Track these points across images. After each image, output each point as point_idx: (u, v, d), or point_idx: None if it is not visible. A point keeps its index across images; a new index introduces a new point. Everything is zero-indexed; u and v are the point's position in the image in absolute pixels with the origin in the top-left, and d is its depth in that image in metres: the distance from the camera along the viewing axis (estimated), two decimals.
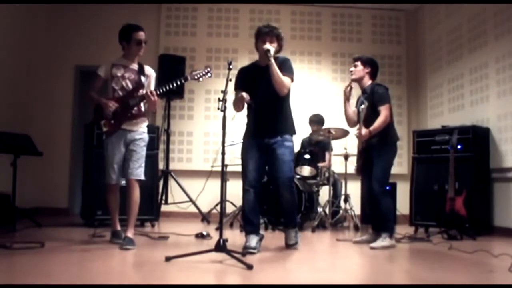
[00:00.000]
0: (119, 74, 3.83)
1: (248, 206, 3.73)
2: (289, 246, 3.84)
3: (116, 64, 3.85)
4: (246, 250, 3.47)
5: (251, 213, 3.73)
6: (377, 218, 4.16)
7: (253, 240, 3.63)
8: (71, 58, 6.83)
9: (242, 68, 3.98)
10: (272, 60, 3.64)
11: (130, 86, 3.84)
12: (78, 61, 6.83)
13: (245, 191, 3.73)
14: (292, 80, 3.79)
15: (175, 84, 3.81)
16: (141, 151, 3.81)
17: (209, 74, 3.82)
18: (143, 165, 3.83)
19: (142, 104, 3.83)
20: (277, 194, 3.81)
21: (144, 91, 3.78)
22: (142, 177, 3.83)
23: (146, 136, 3.89)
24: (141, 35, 3.87)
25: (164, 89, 3.80)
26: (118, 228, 3.92)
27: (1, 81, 5.45)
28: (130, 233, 3.72)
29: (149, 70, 3.99)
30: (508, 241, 4.58)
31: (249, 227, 3.73)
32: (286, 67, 3.76)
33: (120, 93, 3.81)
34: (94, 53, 6.70)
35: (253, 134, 3.84)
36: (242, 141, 3.94)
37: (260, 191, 3.80)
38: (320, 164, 5.67)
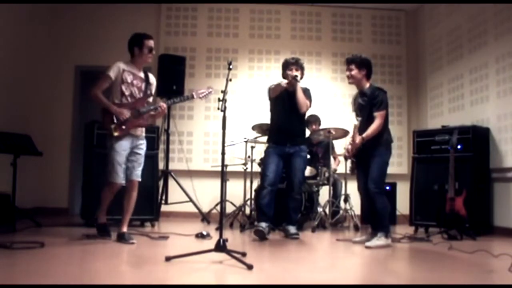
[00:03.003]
0: (129, 80, 4.04)
1: (264, 200, 4.45)
2: (291, 235, 4.46)
3: (126, 70, 4.03)
4: (257, 228, 4.30)
5: (266, 207, 4.45)
6: (373, 217, 4.18)
7: (263, 224, 4.36)
8: (71, 58, 6.82)
9: (272, 85, 4.74)
10: (299, 84, 4.50)
11: (137, 93, 4.08)
12: (78, 61, 6.83)
13: (263, 188, 4.48)
14: (310, 105, 4.68)
15: (181, 99, 4.32)
16: (143, 155, 4.15)
17: (212, 92, 4.23)
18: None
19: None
20: (288, 194, 4.63)
21: (151, 100, 4.15)
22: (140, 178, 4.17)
23: (145, 141, 4.20)
24: (152, 43, 4.13)
25: (174, 101, 4.22)
26: (105, 220, 4.14)
27: (1, 81, 5.45)
28: (126, 228, 4.05)
29: (152, 79, 4.26)
30: (508, 241, 4.58)
31: (262, 217, 4.45)
32: (307, 94, 4.65)
33: (129, 99, 4.03)
34: (94, 53, 6.71)
35: (276, 143, 4.62)
36: (266, 148, 4.73)
37: (276, 190, 4.53)
38: (333, 166, 5.92)
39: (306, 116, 6.21)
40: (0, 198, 4.67)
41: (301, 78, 4.60)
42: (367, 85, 4.25)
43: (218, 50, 6.98)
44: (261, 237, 4.25)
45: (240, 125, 6.57)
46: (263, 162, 4.71)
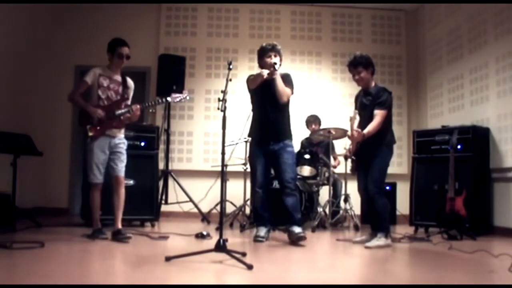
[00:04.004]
0: (105, 85, 4.19)
1: (258, 203, 4.34)
2: (298, 239, 4.05)
3: (102, 74, 4.18)
4: (256, 239, 4.15)
5: (261, 209, 4.33)
6: (373, 218, 4.18)
7: (262, 231, 4.25)
8: (71, 58, 6.82)
9: (252, 75, 4.42)
10: (278, 73, 4.14)
11: (114, 96, 4.22)
12: (78, 61, 6.82)
13: (255, 191, 4.35)
14: (292, 93, 4.28)
15: (154, 103, 4.31)
16: (125, 153, 4.24)
17: (187, 98, 4.40)
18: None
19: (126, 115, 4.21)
20: (282, 194, 4.24)
21: (129, 103, 4.25)
22: (123, 174, 4.23)
23: (125, 141, 4.31)
24: (125, 49, 4.21)
25: (148, 105, 4.34)
26: (100, 225, 4.19)
27: (1, 81, 5.45)
28: (120, 225, 4.11)
29: (130, 82, 4.36)
30: (508, 241, 4.58)
31: (259, 221, 4.36)
32: (288, 80, 4.26)
33: (106, 102, 4.17)
34: (94, 53, 6.66)
35: (259, 141, 4.34)
36: (249, 148, 4.50)
37: (267, 191, 4.41)
38: (333, 163, 5.89)
39: (307, 116, 6.24)
40: (0, 198, 4.67)
41: (280, 65, 4.23)
42: (373, 84, 4.25)
43: (218, 50, 6.98)
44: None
45: (240, 125, 6.56)
46: (250, 162, 4.49)
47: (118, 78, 4.27)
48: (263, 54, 4.27)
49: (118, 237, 3.96)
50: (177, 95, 4.31)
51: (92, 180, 4.10)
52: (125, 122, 4.25)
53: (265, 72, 4.11)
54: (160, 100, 4.32)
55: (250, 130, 4.47)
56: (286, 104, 4.31)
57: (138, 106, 4.16)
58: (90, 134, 4.07)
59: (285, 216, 4.24)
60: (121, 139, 4.23)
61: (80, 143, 5.90)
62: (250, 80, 4.33)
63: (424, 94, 6.85)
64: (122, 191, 4.16)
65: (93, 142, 4.09)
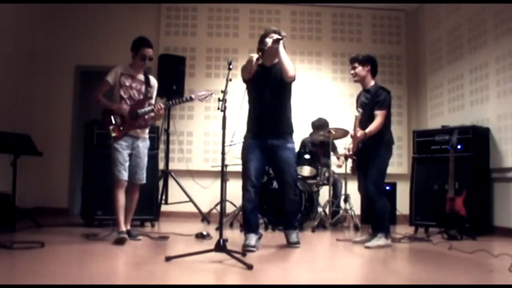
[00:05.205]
0: (127, 84, 4.10)
1: (248, 206, 3.81)
2: (291, 244, 3.93)
3: (124, 74, 4.08)
4: (246, 249, 3.58)
5: (251, 213, 3.82)
6: (373, 218, 4.18)
7: (252, 239, 3.72)
8: (72, 58, 6.82)
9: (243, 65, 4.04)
10: (282, 45, 3.80)
11: (137, 96, 4.13)
12: (79, 61, 6.83)
13: (246, 190, 3.80)
14: (295, 77, 3.89)
15: (179, 101, 4.18)
16: (145, 158, 4.18)
17: (213, 95, 4.28)
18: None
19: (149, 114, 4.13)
20: (282, 195, 3.94)
21: (153, 102, 4.17)
22: (145, 181, 4.22)
23: (148, 142, 4.24)
24: (148, 51, 4.11)
25: (172, 103, 4.18)
26: (124, 228, 4.03)
27: (1, 81, 5.45)
28: (129, 226, 4.19)
29: (153, 81, 4.27)
30: (508, 241, 4.58)
31: (249, 227, 3.81)
32: None
33: (128, 102, 4.08)
34: (95, 53, 6.71)
35: (256, 134, 3.92)
36: (243, 140, 3.99)
37: (260, 191, 3.93)
38: (336, 163, 5.84)
39: (313, 120, 6.08)
40: (0, 198, 4.67)
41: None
42: (372, 82, 4.25)
43: (218, 50, 6.98)
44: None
45: (240, 125, 6.55)
46: (242, 157, 3.92)
47: (141, 77, 4.17)
48: (265, 36, 3.84)
49: (129, 237, 4.00)
50: (203, 92, 4.16)
51: (118, 177, 3.97)
52: (149, 122, 4.19)
53: (255, 57, 3.69)
54: (185, 98, 4.20)
55: (247, 126, 4.03)
56: (287, 96, 3.96)
57: (162, 105, 4.08)
58: (113, 134, 3.98)
59: (284, 219, 4.09)
60: (144, 141, 4.16)
61: (80, 143, 5.91)
62: (242, 69, 3.92)
63: (424, 94, 6.85)
64: (136, 196, 4.17)
65: (116, 141, 3.99)
